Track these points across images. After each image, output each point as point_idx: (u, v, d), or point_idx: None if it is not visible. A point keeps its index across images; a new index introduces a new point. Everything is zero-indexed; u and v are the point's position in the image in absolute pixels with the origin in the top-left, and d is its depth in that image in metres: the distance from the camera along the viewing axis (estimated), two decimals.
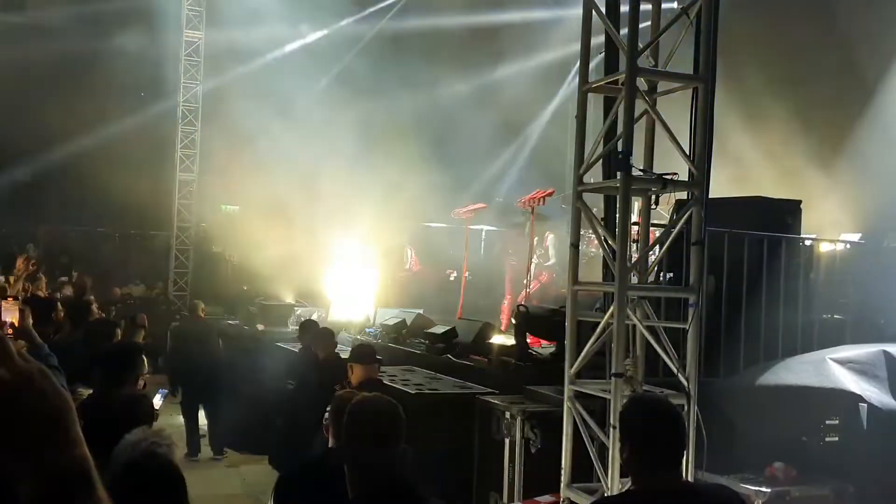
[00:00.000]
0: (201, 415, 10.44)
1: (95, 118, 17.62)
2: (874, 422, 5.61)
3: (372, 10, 19.50)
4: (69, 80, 17.91)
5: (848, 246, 9.27)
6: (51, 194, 19.22)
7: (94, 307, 8.49)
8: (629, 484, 3.18)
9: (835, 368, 5.89)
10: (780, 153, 13.65)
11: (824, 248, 8.35)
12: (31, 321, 4.30)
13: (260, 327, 12.19)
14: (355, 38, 19.41)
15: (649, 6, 5.55)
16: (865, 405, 5.63)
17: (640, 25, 5.15)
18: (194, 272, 18.65)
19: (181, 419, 10.24)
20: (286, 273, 14.85)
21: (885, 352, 6.06)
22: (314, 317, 10.99)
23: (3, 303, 4.18)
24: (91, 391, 4.30)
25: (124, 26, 17.91)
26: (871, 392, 5.73)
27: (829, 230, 10.19)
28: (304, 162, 15.27)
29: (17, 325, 4.00)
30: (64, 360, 4.48)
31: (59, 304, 8.09)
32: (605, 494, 4.72)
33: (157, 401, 3.94)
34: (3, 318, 3.93)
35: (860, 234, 10.31)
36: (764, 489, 5.47)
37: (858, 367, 5.94)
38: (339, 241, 14.65)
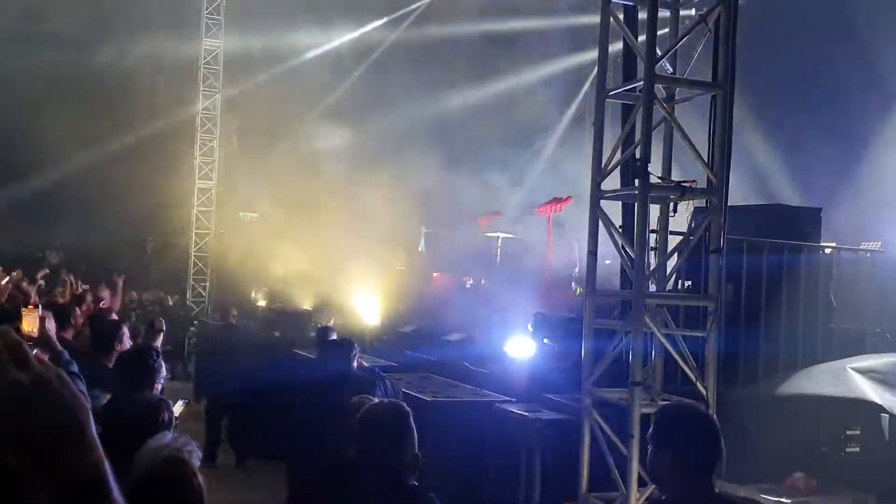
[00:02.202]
0: (223, 421, 10.45)
1: (114, 126, 17.79)
2: (895, 432, 5.55)
3: (390, 17, 19.59)
4: (88, 89, 18.09)
5: (869, 254, 9.18)
6: (71, 201, 19.39)
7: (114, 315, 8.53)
8: (651, 491, 3.15)
9: (855, 378, 5.83)
10: (799, 159, 13.55)
11: (844, 256, 8.27)
12: (52, 328, 4.30)
13: (276, 334, 12.21)
14: (373, 46, 19.48)
15: (667, 13, 5.53)
16: (887, 415, 5.58)
17: (659, 32, 5.14)
18: (211, 278, 18.76)
19: (201, 424, 10.26)
20: (304, 279, 14.89)
21: None
22: (330, 323, 10.98)
23: (24, 310, 4.20)
24: (109, 396, 4.29)
25: (143, 35, 18.08)
26: (893, 402, 5.67)
27: (850, 238, 10.10)
28: (321, 169, 15.33)
29: (36, 333, 3.99)
30: (82, 366, 4.50)
31: (77, 309, 8.15)
32: None
33: (178, 408, 3.94)
34: (22, 326, 3.93)
35: (880, 243, 10.20)
36: (784, 500, 5.41)
37: (879, 377, 5.88)
38: (355, 247, 14.65)
